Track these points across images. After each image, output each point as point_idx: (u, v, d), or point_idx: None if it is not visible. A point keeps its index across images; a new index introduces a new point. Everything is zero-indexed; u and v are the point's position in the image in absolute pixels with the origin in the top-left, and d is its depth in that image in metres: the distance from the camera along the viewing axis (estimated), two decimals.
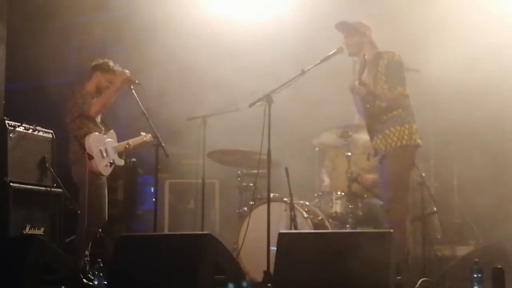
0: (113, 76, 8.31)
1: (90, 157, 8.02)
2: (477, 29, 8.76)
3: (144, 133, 8.74)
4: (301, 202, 8.58)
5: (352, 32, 7.38)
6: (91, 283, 7.24)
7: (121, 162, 8.53)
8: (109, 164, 8.25)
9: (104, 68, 8.36)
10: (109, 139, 8.38)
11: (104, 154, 8.22)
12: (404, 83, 7.19)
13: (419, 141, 7.22)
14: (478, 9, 8.86)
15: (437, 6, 9.11)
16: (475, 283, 5.66)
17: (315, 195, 8.95)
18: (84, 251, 8.02)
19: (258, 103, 7.43)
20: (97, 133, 8.23)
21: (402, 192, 7.17)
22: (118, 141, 8.50)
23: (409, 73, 7.56)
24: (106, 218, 8.25)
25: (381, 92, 7.20)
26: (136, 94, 8.13)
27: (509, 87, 8.89)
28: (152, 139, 8.40)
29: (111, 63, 8.40)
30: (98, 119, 8.38)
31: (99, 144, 8.20)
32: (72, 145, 8.21)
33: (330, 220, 8.57)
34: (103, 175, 8.19)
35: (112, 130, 8.49)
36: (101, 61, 8.42)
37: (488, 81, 8.76)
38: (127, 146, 8.58)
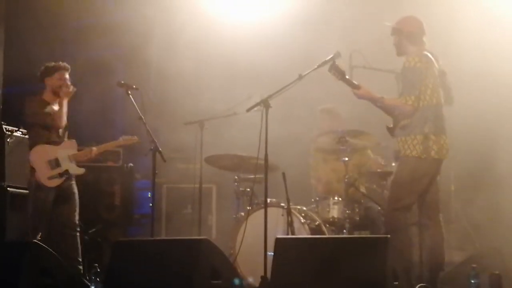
0: (58, 73, 8.31)
1: (33, 170, 8.08)
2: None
3: (123, 137, 8.67)
4: (298, 207, 8.58)
5: (392, 32, 7.37)
6: None
7: (79, 170, 8.42)
8: (57, 175, 8.19)
9: (48, 72, 8.35)
10: (62, 150, 8.31)
11: (54, 164, 8.19)
12: (412, 92, 7.03)
13: (429, 154, 7.05)
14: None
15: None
16: None
17: (312, 200, 8.94)
18: None
19: (255, 108, 7.43)
20: (45, 144, 8.21)
21: (396, 199, 7.20)
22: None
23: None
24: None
25: (386, 99, 7.21)
26: (133, 99, 8.12)
27: (506, 90, 8.90)
28: (136, 140, 8.52)
29: (49, 64, 8.39)
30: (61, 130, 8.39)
31: (46, 155, 8.18)
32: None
33: (327, 225, 8.57)
34: (46, 187, 8.14)
35: (73, 140, 8.43)
36: (42, 68, 8.41)
37: (486, 84, 8.79)
38: (90, 152, 8.47)
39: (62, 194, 8.26)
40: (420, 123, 7.09)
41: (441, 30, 8.53)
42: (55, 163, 8.21)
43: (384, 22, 7.43)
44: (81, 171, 8.46)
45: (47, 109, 8.25)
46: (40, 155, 8.15)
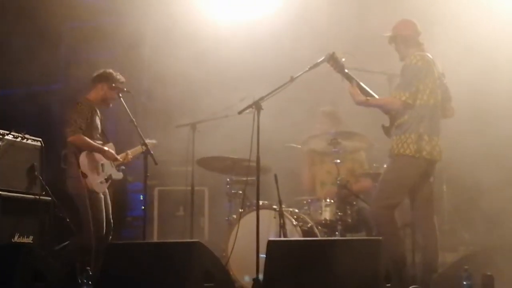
0: (119, 88, 8.22)
1: (84, 176, 7.98)
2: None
3: (148, 141, 8.43)
4: (290, 209, 8.57)
5: (389, 41, 7.43)
6: None
7: (119, 175, 8.45)
8: (104, 180, 8.20)
9: (114, 82, 8.25)
10: None
11: (100, 170, 8.18)
12: (407, 89, 7.06)
13: (421, 153, 7.07)
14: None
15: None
16: None
17: (305, 202, 8.94)
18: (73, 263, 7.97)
19: (247, 110, 7.43)
20: None
21: (383, 196, 7.22)
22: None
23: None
24: (104, 232, 8.18)
25: (370, 100, 7.21)
26: (125, 101, 8.11)
27: (499, 90, 8.91)
28: (155, 143, 8.53)
29: (117, 75, 8.31)
30: (99, 130, 8.33)
31: (95, 160, 8.15)
32: (70, 158, 8.12)
33: (319, 227, 8.57)
34: (96, 193, 8.12)
35: (110, 143, 8.41)
36: (107, 71, 8.31)
37: (477, 87, 8.79)
38: (125, 157, 8.48)
39: (105, 199, 8.26)
40: (415, 122, 7.13)
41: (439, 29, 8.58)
42: (101, 168, 8.20)
43: (383, 34, 7.45)
44: (120, 176, 8.48)
45: (96, 121, 8.21)
46: (91, 160, 8.08)
